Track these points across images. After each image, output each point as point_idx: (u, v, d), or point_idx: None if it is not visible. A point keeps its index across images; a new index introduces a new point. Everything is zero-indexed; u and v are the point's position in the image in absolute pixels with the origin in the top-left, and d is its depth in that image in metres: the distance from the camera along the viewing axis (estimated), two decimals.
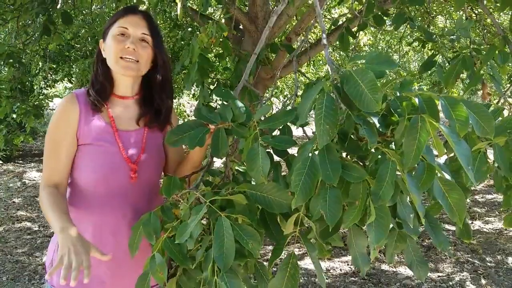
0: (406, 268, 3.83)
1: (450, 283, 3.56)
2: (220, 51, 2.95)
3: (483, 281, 3.58)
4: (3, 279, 3.53)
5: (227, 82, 3.31)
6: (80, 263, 1.05)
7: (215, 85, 3.19)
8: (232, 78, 3.10)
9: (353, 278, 3.67)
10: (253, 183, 1.26)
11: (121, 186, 1.35)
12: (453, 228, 4.57)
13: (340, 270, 3.85)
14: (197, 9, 3.45)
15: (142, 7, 4.26)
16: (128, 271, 1.38)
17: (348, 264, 3.95)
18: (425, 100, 0.94)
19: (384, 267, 3.88)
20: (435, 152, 0.95)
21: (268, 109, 1.13)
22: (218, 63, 3.29)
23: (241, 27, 4.02)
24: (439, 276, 3.68)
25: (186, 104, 10.59)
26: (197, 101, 2.83)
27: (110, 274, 1.36)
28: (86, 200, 1.35)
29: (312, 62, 6.61)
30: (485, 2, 2.83)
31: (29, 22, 3.79)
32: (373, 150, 0.98)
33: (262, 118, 1.13)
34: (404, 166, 0.89)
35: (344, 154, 1.04)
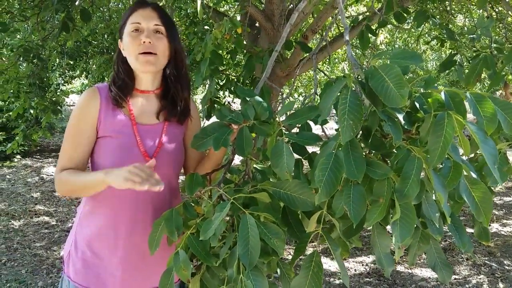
0: (422, 269, 3.78)
1: (467, 286, 3.51)
2: (233, 48, 2.95)
3: (501, 285, 3.52)
4: (22, 272, 3.59)
5: (239, 78, 3.30)
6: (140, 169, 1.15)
7: (224, 80, 3.19)
8: (244, 74, 3.09)
9: (367, 279, 3.64)
10: (271, 180, 1.25)
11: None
12: (469, 230, 4.50)
13: (355, 270, 3.82)
14: (212, 5, 3.46)
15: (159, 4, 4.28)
16: (139, 265, 1.39)
17: (363, 265, 3.92)
18: (451, 96, 0.92)
19: (400, 268, 3.84)
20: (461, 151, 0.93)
21: (292, 106, 1.12)
22: (230, 59, 3.30)
23: (257, 24, 4.01)
24: (455, 279, 3.63)
25: (198, 100, 10.61)
26: (203, 96, 2.83)
27: (122, 268, 1.37)
28: (103, 193, 1.35)
29: (328, 60, 6.57)
30: (507, 0, 2.78)
31: (48, 18, 3.83)
32: (397, 147, 0.97)
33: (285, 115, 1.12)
34: (430, 164, 0.88)
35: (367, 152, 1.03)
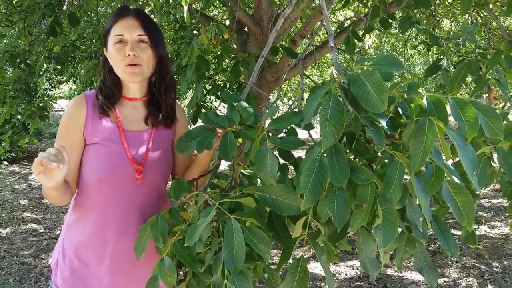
0: (412, 273, 3.80)
1: None
2: (219, 53, 2.96)
3: (490, 287, 3.55)
4: (10, 281, 3.54)
5: (226, 83, 3.31)
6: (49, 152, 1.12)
7: (211, 85, 3.20)
8: (230, 79, 3.11)
9: (359, 283, 3.65)
10: (258, 185, 1.25)
11: (126, 187, 1.35)
12: (458, 232, 4.54)
13: (346, 274, 3.83)
14: (200, 10, 3.47)
15: (147, 9, 4.27)
16: (128, 272, 1.38)
17: (354, 269, 3.93)
18: (433, 102, 0.93)
19: (390, 271, 3.85)
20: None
21: (275, 111, 1.13)
22: (217, 64, 3.33)
23: (246, 29, 4.02)
24: (445, 282, 3.66)
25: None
26: (190, 100, 2.83)
27: (110, 276, 1.36)
28: (91, 199, 1.36)
29: (316, 64, 6.61)
30: (491, 6, 2.82)
31: (35, 23, 3.81)
32: (380, 152, 0.98)
33: (269, 120, 1.13)
34: (411, 169, 0.89)
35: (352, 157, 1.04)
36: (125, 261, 1.37)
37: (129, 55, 1.31)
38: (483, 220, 5.23)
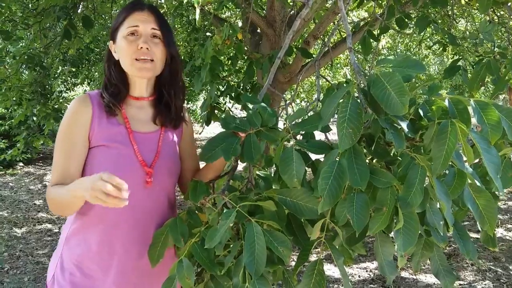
0: (427, 275, 3.75)
1: None
2: (233, 54, 2.96)
3: None
4: (25, 280, 3.59)
5: (239, 84, 3.31)
6: (115, 181, 1.00)
7: (225, 86, 3.19)
8: (244, 80, 3.10)
9: (372, 285, 3.62)
10: (274, 187, 1.25)
11: (135, 191, 1.21)
12: (474, 235, 4.47)
13: (359, 276, 3.80)
14: (213, 12, 3.47)
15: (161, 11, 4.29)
16: (135, 285, 1.30)
17: (367, 271, 3.90)
18: (455, 104, 0.92)
19: (404, 274, 3.81)
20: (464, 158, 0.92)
21: (303, 113, 1.12)
22: (231, 66, 3.31)
23: (259, 30, 4.02)
24: (460, 285, 3.60)
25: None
26: (204, 101, 2.84)
27: (116, 287, 1.28)
28: (96, 207, 1.25)
29: (330, 65, 6.57)
30: (509, 4, 2.77)
31: (48, 25, 3.85)
32: (400, 155, 0.96)
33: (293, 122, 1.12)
34: (433, 172, 0.87)
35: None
36: (133, 271, 1.29)
37: (141, 47, 1.24)
38: (499, 223, 5.14)
